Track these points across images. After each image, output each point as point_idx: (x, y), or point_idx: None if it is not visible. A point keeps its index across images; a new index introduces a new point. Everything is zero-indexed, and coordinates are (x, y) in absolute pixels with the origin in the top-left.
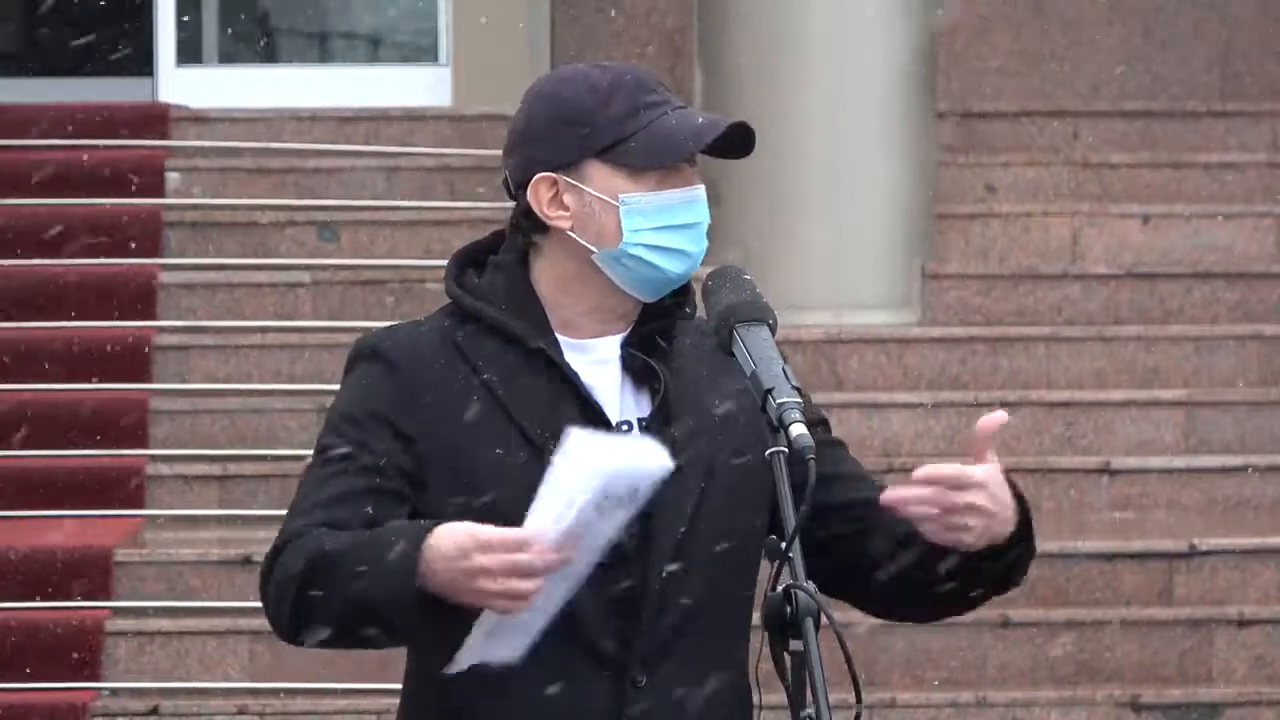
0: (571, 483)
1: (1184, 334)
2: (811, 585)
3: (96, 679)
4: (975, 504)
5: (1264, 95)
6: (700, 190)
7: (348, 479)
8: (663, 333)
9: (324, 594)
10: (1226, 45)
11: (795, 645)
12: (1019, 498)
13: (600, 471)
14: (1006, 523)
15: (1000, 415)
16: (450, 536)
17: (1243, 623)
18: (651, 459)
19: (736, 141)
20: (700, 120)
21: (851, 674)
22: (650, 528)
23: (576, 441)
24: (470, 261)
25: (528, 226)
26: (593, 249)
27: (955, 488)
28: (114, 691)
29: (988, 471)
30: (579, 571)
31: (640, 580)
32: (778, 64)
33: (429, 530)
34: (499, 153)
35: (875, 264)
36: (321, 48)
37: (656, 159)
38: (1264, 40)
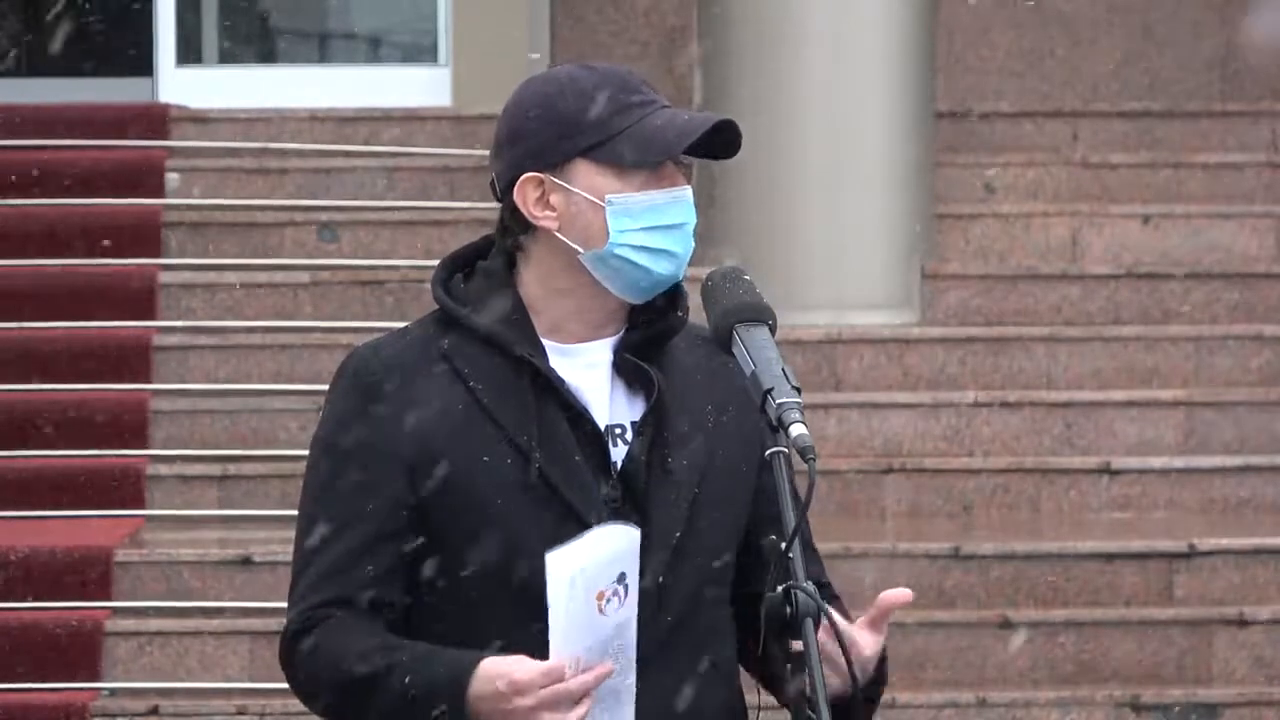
0: (562, 599)
1: (1184, 334)
2: (811, 585)
3: (96, 679)
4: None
5: (1264, 95)
6: (687, 191)
7: (352, 532)
8: (657, 336)
9: None
10: (1226, 45)
11: (795, 646)
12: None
13: (574, 574)
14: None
15: (905, 593)
16: (488, 682)
17: (1243, 623)
18: (615, 536)
19: (724, 142)
20: (687, 118)
21: (851, 674)
22: (647, 531)
23: (550, 560)
24: (458, 266)
25: (514, 228)
26: (579, 249)
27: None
28: (114, 691)
29: (875, 650)
30: (623, 673)
31: None
32: (777, 63)
33: (466, 681)
34: None
35: (875, 264)
36: (321, 48)
37: (645, 157)
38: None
